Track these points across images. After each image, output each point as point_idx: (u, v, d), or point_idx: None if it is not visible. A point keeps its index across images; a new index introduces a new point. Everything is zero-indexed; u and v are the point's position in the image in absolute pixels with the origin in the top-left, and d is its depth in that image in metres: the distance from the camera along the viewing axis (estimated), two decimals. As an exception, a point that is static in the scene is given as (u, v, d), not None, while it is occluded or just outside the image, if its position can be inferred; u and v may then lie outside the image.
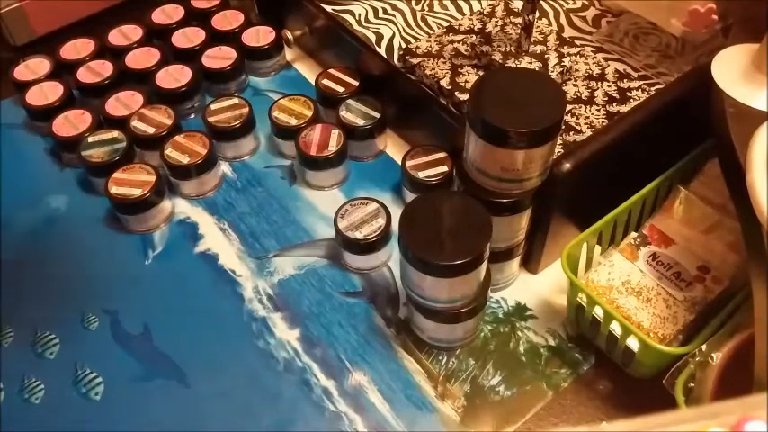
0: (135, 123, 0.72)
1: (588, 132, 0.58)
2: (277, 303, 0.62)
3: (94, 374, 0.58)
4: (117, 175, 0.67)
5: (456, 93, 0.62)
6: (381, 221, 0.62)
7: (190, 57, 0.79)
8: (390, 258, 0.65)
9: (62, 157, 0.74)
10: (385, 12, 0.75)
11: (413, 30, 0.72)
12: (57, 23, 0.87)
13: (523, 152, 0.48)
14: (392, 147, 0.74)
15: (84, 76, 0.77)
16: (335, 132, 0.69)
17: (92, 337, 0.60)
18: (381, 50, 0.70)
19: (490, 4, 0.70)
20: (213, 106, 0.73)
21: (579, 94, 0.61)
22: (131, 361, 0.59)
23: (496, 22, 0.68)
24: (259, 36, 0.81)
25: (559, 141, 0.57)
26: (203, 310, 0.62)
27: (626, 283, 0.55)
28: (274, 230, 0.67)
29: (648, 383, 0.53)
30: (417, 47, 0.67)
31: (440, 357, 0.58)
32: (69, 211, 0.70)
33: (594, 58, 0.64)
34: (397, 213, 0.57)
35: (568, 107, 0.60)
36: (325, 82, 0.74)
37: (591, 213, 0.57)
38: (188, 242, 0.67)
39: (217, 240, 0.67)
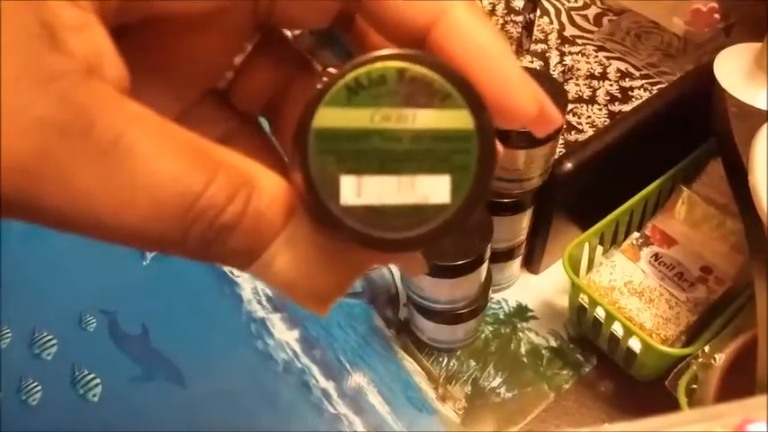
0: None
1: (590, 132, 0.57)
2: (276, 304, 0.62)
3: (92, 375, 0.57)
4: (116, 175, 0.67)
5: (456, 92, 0.62)
6: (381, 222, 0.62)
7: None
8: (390, 259, 0.64)
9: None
10: (385, 11, 0.75)
11: (413, 29, 0.72)
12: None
13: (524, 152, 0.47)
14: (392, 147, 0.74)
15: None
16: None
17: (89, 338, 0.60)
18: (381, 50, 0.70)
19: (491, 3, 0.70)
20: (213, 106, 0.73)
21: (581, 94, 0.61)
22: (129, 362, 0.58)
23: (497, 20, 0.67)
24: (259, 36, 0.81)
25: (561, 141, 0.57)
26: (202, 311, 0.61)
27: (628, 284, 0.55)
28: (274, 231, 0.67)
29: (651, 385, 0.52)
30: (418, 46, 0.67)
31: (440, 359, 0.58)
32: (68, 212, 0.70)
33: (596, 56, 0.64)
34: (396, 213, 0.57)
35: (570, 106, 0.60)
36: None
37: (593, 213, 0.57)
38: (187, 242, 0.67)
39: (216, 241, 0.67)
